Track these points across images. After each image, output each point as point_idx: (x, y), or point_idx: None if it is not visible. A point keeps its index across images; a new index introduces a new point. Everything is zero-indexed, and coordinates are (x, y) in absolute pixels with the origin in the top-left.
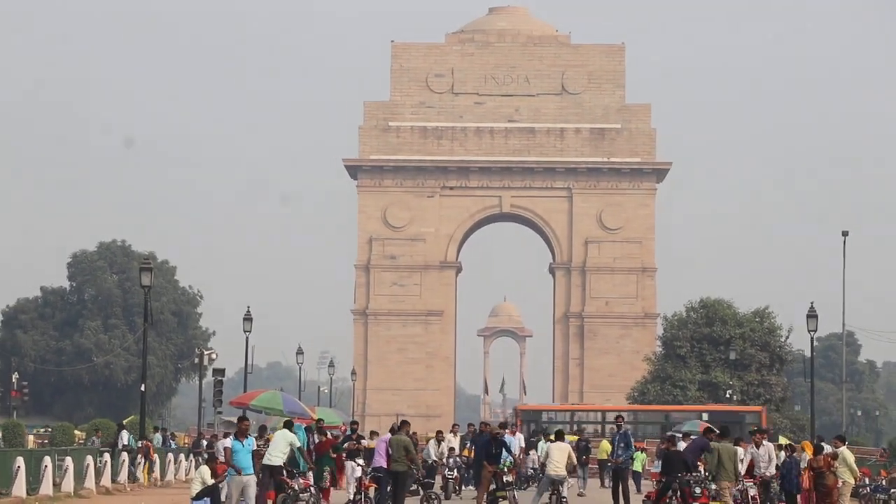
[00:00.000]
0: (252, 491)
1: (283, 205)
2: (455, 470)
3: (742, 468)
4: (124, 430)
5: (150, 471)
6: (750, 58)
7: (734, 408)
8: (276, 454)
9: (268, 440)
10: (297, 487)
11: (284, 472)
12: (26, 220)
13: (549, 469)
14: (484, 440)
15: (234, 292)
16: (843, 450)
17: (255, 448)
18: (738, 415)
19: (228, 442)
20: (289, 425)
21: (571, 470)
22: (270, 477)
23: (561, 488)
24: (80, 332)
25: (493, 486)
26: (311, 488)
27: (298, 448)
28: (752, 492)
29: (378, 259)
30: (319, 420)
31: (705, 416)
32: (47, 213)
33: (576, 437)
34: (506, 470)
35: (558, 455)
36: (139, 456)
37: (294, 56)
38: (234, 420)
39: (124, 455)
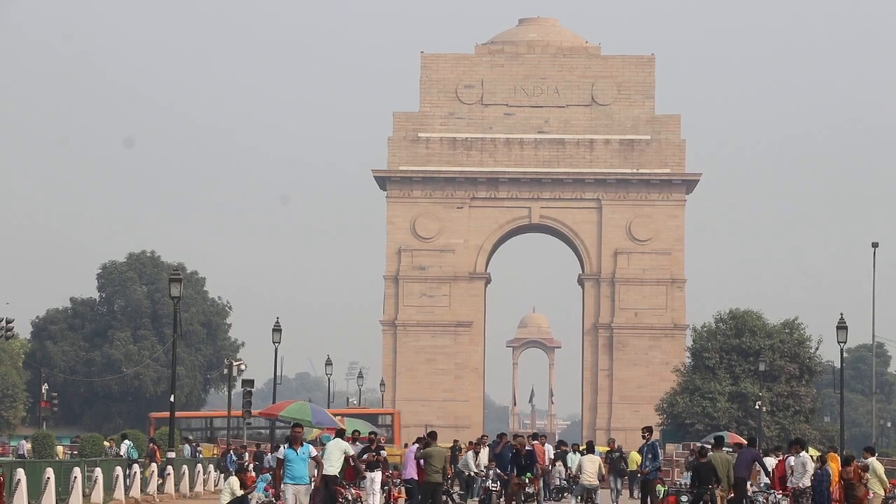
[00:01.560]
0: (306, 500)
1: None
2: (498, 482)
3: (764, 477)
4: (126, 441)
5: (160, 476)
6: (780, 68)
7: (368, 410)
8: (333, 463)
9: None
10: (350, 497)
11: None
12: (56, 230)
13: (583, 479)
14: (507, 451)
15: (263, 303)
16: (873, 461)
17: (313, 455)
18: (372, 417)
19: (282, 451)
20: (340, 434)
21: (601, 479)
22: (325, 487)
23: (594, 496)
24: (110, 343)
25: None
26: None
27: (351, 457)
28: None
29: (407, 270)
30: (366, 432)
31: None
32: (77, 223)
33: (607, 449)
34: (527, 481)
35: (590, 466)
36: (148, 462)
37: (323, 67)
38: (264, 431)
39: (127, 467)
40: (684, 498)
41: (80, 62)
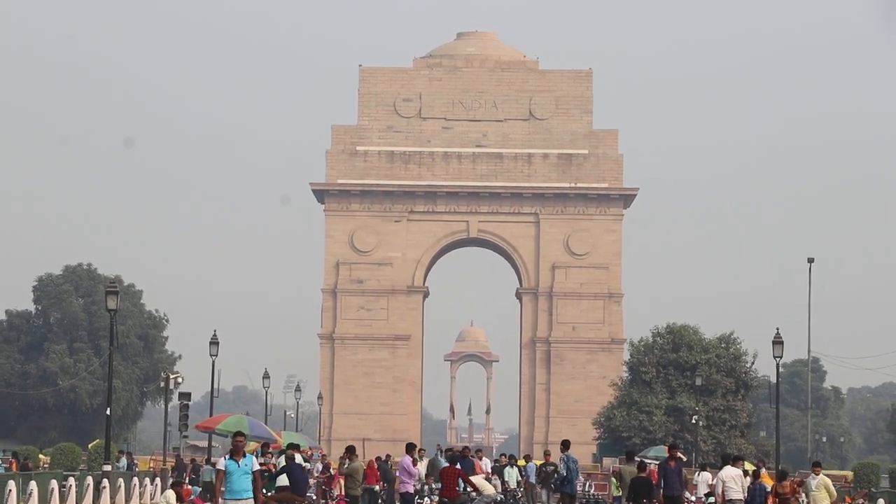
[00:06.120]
0: None
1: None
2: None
3: (701, 491)
4: None
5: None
6: (717, 85)
7: None
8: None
9: None
10: None
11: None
12: None
13: (486, 490)
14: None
15: (200, 316)
16: (822, 477)
17: (256, 468)
18: None
19: (222, 463)
20: (295, 448)
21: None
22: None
23: None
24: (46, 356)
25: None
26: None
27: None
28: None
29: (345, 283)
30: (306, 446)
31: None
32: (13, 235)
33: (540, 462)
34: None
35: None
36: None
37: (262, 79)
38: (200, 445)
39: (62, 480)
40: None
41: (34, 58)
